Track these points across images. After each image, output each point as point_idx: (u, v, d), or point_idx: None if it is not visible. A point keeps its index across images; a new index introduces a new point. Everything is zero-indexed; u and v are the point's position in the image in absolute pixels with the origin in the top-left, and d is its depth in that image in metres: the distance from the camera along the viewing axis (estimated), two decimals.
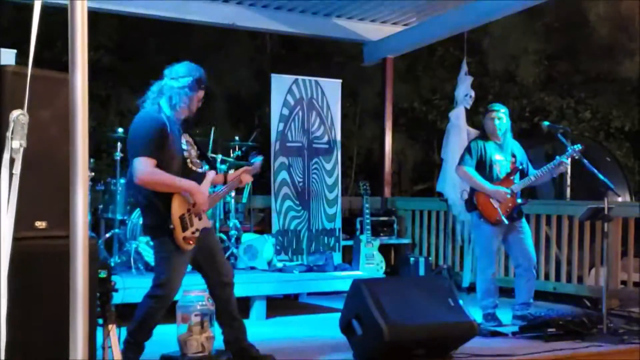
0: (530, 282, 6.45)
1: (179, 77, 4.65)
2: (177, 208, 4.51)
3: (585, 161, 6.28)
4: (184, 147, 4.67)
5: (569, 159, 6.42)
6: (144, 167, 4.43)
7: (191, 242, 4.52)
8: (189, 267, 4.74)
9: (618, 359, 5.46)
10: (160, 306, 4.57)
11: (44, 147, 3.21)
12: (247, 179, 5.13)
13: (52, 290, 3.18)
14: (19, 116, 1.96)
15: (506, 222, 6.31)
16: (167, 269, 4.57)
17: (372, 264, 8.28)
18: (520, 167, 6.49)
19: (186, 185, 4.53)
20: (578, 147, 6.35)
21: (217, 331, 4.24)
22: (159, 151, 4.48)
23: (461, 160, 6.54)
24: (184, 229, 4.52)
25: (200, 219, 4.64)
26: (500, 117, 6.46)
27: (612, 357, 5.46)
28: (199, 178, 4.68)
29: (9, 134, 1.95)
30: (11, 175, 1.94)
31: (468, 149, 6.55)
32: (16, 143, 1.96)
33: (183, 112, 4.70)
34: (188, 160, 4.67)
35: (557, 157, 6.39)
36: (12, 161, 1.94)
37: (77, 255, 1.89)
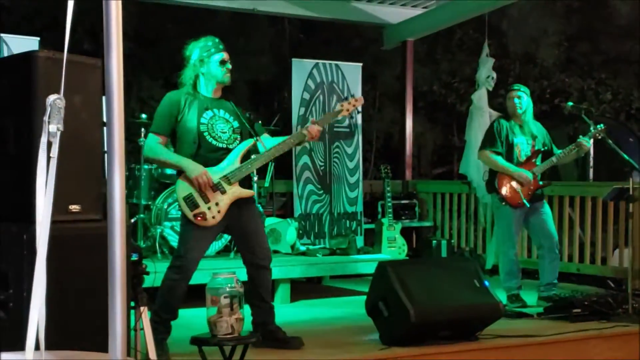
0: (554, 262, 6.45)
1: (190, 55, 4.78)
2: (181, 189, 4.65)
3: (609, 141, 6.26)
4: (204, 120, 4.70)
5: (592, 140, 6.41)
6: (148, 142, 4.72)
7: (204, 218, 4.61)
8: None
9: None
10: (179, 277, 4.67)
11: (75, 131, 3.24)
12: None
13: (85, 273, 3.22)
14: (55, 100, 1.98)
15: (528, 205, 6.31)
16: (184, 241, 4.73)
17: (394, 247, 8.28)
18: (544, 149, 6.48)
19: (176, 162, 4.65)
20: (601, 126, 6.33)
21: (246, 312, 4.27)
22: (170, 127, 4.67)
23: (483, 145, 6.53)
24: (193, 207, 4.61)
25: (223, 192, 4.65)
26: (520, 95, 6.43)
27: (638, 337, 5.45)
28: (221, 152, 4.73)
29: (46, 117, 1.97)
30: (49, 158, 1.96)
31: (489, 133, 6.52)
32: (53, 127, 1.98)
33: (211, 85, 4.77)
34: (206, 134, 4.70)
35: (580, 136, 6.37)
36: (49, 145, 1.97)
37: (115, 238, 1.90)
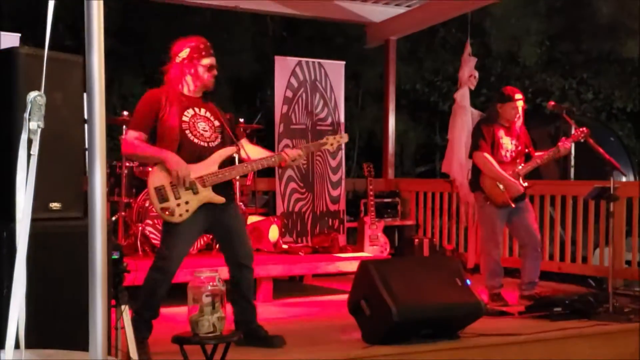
0: (537, 261, 6.47)
1: (178, 53, 4.71)
2: (153, 179, 4.58)
3: (591, 141, 6.29)
4: (185, 118, 4.66)
5: (573, 141, 6.43)
6: (127, 138, 4.68)
7: (171, 213, 4.54)
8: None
9: (625, 338, 5.49)
10: (161, 278, 4.62)
11: (56, 129, 3.23)
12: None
13: (66, 271, 3.21)
14: (36, 97, 1.96)
15: (513, 205, 6.31)
16: (166, 240, 4.67)
17: (376, 246, 8.29)
18: (526, 150, 6.50)
19: (160, 155, 4.57)
20: (582, 130, 6.34)
21: (229, 311, 4.26)
22: (150, 124, 4.61)
23: (477, 146, 6.45)
24: (162, 200, 4.55)
25: (195, 192, 4.60)
26: (520, 105, 6.44)
27: (619, 336, 5.49)
28: (202, 150, 4.67)
29: (26, 114, 1.95)
30: (29, 156, 1.94)
31: (481, 134, 6.44)
32: (34, 124, 1.96)
33: (194, 85, 4.72)
34: (187, 132, 4.65)
35: (563, 139, 6.40)
36: (29, 142, 1.95)
37: (95, 236, 1.89)
